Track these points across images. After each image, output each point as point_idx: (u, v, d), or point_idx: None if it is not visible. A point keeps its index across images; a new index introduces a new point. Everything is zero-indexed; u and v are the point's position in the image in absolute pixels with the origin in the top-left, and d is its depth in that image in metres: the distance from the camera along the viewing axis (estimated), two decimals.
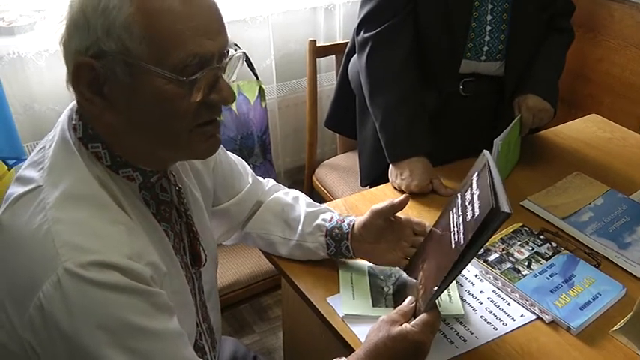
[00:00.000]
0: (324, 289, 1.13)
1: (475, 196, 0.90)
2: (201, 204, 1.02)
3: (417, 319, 0.93)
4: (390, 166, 1.49)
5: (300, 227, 1.15)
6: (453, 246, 0.91)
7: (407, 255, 1.13)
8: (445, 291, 1.10)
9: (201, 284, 1.01)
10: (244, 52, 0.85)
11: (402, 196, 1.11)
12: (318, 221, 1.14)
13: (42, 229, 0.74)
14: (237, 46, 0.85)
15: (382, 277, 1.15)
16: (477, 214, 0.86)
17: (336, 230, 1.13)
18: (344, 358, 0.91)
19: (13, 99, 1.76)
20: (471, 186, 0.95)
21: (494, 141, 1.33)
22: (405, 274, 1.14)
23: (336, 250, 1.13)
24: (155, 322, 0.76)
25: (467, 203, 0.92)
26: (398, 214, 1.13)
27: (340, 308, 1.08)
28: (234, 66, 0.85)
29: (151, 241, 0.83)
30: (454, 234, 0.93)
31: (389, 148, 1.49)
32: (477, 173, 0.94)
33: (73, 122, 0.82)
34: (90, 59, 0.75)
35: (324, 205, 1.22)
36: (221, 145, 1.11)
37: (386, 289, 1.12)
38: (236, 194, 1.15)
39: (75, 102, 0.83)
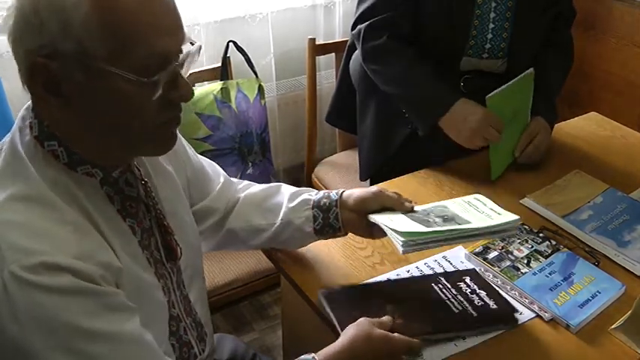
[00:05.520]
0: (324, 287, 1.12)
1: (476, 286, 1.11)
2: (173, 195, 0.99)
3: (402, 336, 0.97)
4: (443, 127, 1.42)
5: (283, 207, 1.12)
6: (456, 310, 1.06)
7: None
8: (491, 210, 1.10)
9: (181, 279, 0.99)
10: (200, 45, 0.83)
11: (411, 205, 1.09)
12: (304, 196, 1.12)
13: None
14: (191, 42, 0.83)
15: (422, 216, 1.08)
16: (492, 306, 1.07)
17: (324, 200, 1.10)
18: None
19: (13, 97, 1.76)
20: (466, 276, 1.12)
21: (486, 97, 1.32)
22: (444, 210, 1.11)
23: (323, 223, 1.09)
24: (106, 324, 0.74)
25: (465, 288, 1.10)
26: (389, 193, 1.11)
27: (398, 239, 0.99)
28: (190, 61, 0.82)
29: (109, 238, 0.81)
30: (453, 299, 1.08)
31: (422, 111, 1.44)
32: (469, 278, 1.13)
33: (29, 120, 0.80)
34: (44, 60, 0.72)
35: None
36: (191, 147, 1.10)
37: (431, 220, 1.06)
38: (209, 194, 1.12)
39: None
